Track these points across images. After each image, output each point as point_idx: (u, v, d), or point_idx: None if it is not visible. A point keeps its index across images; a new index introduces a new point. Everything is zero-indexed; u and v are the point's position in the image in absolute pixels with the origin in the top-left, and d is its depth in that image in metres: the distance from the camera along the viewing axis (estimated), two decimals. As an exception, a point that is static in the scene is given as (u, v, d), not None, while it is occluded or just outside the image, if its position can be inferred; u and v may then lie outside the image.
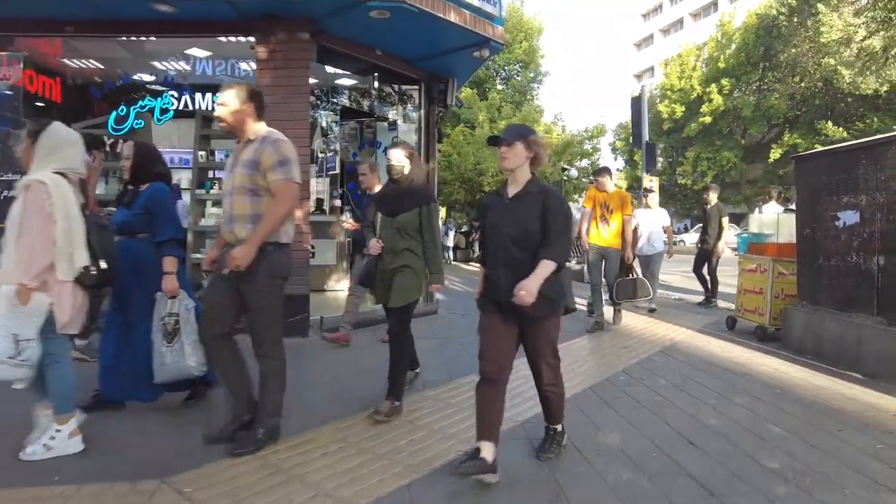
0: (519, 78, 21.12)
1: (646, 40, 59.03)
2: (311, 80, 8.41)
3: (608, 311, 6.73)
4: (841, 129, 26.67)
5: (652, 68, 54.81)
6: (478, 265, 16.47)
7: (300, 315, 5.55)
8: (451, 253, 19.85)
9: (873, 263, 4.65)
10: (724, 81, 32.08)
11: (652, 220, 8.13)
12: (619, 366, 4.83)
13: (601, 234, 6.43)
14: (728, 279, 11.23)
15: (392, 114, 7.40)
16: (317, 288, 8.62)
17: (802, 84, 29.30)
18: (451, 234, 19.82)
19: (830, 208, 5.10)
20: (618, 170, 47.06)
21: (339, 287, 8.79)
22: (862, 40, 23.03)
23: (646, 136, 12.21)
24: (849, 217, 4.91)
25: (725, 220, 8.43)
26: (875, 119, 25.97)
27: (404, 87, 7.43)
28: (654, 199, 8.55)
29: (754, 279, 6.22)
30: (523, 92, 20.95)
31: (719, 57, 33.37)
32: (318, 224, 8.65)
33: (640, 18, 60.57)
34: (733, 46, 33.19)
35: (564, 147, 16.56)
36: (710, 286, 8.39)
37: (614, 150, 42.91)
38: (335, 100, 8.61)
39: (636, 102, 12.46)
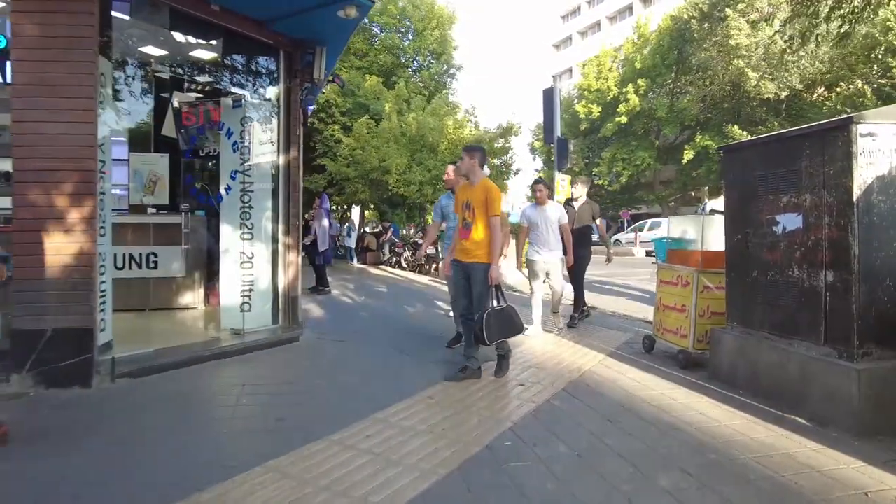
0: (430, 70, 19.95)
1: (564, 42, 59.66)
2: (146, 50, 6.94)
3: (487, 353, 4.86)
4: (746, 133, 27.29)
5: (570, 69, 55.39)
6: (390, 269, 15.01)
7: (79, 357, 3.97)
8: (352, 255, 18.39)
9: (819, 280, 3.70)
10: (641, 82, 32.36)
11: (546, 220, 6.33)
12: (507, 419, 3.62)
13: (461, 244, 4.64)
14: (643, 284, 10.55)
15: (241, 89, 5.89)
16: (161, 306, 6.99)
17: (713, 87, 29.90)
18: (354, 234, 18.40)
19: (767, 210, 4.13)
20: (536, 170, 47.15)
21: (189, 303, 7.19)
22: (771, 42, 23.56)
23: (557, 132, 11.27)
24: (789, 221, 3.95)
25: (600, 221, 7.73)
26: (776, 123, 26.73)
27: (259, 58, 5.94)
28: (545, 194, 6.51)
29: (675, 294, 5.23)
30: (436, 85, 19.79)
31: (635, 58, 33.68)
32: (162, 227, 7.00)
33: (559, 20, 61.20)
34: (649, 48, 33.61)
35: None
36: (576, 296, 7.32)
37: (533, 150, 42.74)
38: (175, 73, 7.05)
39: (548, 96, 11.50)
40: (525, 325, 5.47)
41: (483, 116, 66.82)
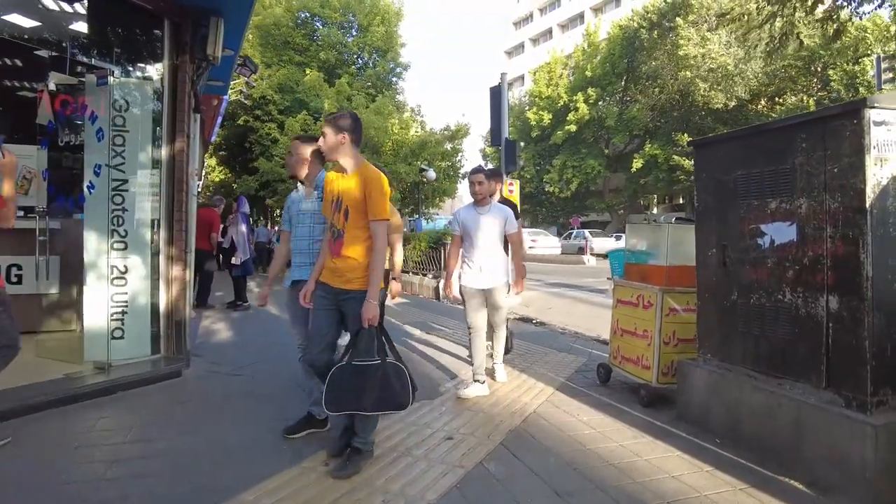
0: (376, 68, 18.98)
1: (516, 48, 59.67)
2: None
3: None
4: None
5: (522, 76, 55.36)
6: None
7: None
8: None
9: (819, 306, 2.93)
10: (591, 91, 32.26)
11: (488, 227, 4.52)
12: (421, 498, 2.68)
13: (331, 263, 3.10)
14: (598, 297, 9.84)
15: (113, 64, 4.77)
16: (28, 328, 5.71)
17: (662, 96, 30.03)
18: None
19: (750, 218, 3.35)
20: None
21: (64, 326, 5.96)
22: (718, 53, 23.67)
23: (506, 133, 10.49)
24: (779, 232, 3.17)
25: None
26: (725, 132, 26.94)
27: (137, 27, 4.85)
28: (486, 188, 4.62)
29: (635, 316, 4.42)
30: (381, 84, 18.82)
31: (586, 66, 33.62)
32: (23, 233, 5.76)
33: (512, 26, 61.22)
34: (599, 56, 33.61)
35: (422, 145, 14.59)
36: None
37: (485, 156, 42.24)
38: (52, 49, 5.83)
39: (495, 94, 10.71)
40: (458, 387, 4.47)
41: (432, 118, 65.82)
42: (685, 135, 27.86)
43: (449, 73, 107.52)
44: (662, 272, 4.26)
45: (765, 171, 3.26)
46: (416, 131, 15.20)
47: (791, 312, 3.09)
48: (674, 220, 4.42)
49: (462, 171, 16.61)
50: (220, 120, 9.81)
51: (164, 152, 4.76)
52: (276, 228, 18.11)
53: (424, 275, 12.23)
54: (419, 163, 14.65)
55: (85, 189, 4.58)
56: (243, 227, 8.91)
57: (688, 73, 25.78)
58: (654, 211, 42.16)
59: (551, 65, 36.62)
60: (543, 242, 28.13)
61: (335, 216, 3.04)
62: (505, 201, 5.23)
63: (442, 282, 11.26)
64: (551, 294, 11.01)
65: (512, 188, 10.40)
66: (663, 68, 28.45)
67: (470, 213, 4.60)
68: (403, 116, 15.17)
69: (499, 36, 64.78)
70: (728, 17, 9.98)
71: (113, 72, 4.52)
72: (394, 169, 14.34)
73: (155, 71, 4.81)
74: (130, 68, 4.75)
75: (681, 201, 39.06)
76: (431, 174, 14.81)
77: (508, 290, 4.75)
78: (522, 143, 38.21)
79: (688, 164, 27.32)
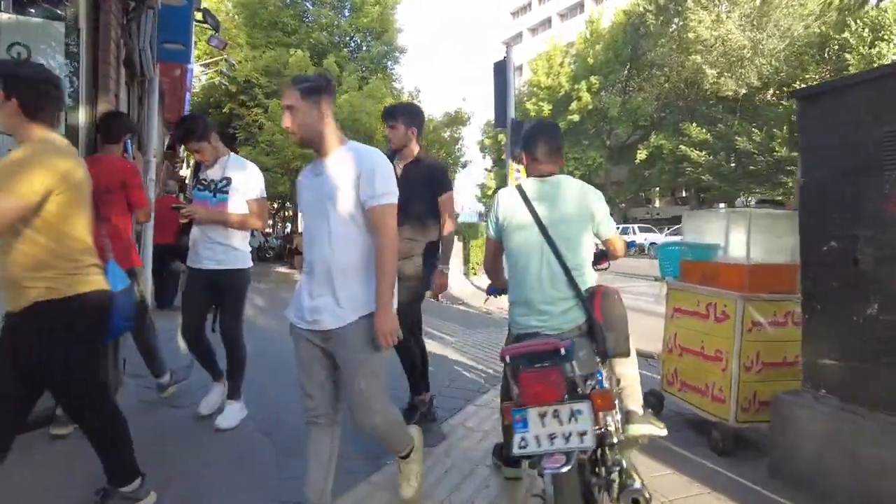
0: (370, 51, 17.80)
1: (514, 38, 58.41)
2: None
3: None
4: (704, 130, 26.41)
5: (521, 67, 54.13)
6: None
7: None
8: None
9: None
10: (593, 79, 31.15)
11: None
12: None
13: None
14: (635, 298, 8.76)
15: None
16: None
17: (668, 85, 28.97)
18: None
19: (902, 196, 2.29)
20: (486, 170, 45.56)
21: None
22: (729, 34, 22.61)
23: (511, 113, 9.40)
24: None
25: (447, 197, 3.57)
26: (735, 122, 25.94)
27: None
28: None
29: (702, 331, 3.35)
30: (375, 69, 17.65)
31: (588, 53, 32.50)
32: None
33: (509, 16, 60.03)
34: (602, 44, 32.50)
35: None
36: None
37: (483, 148, 41.13)
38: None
39: (500, 71, 9.63)
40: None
41: (427, 109, 64.59)
42: (692, 125, 26.81)
43: (444, 65, 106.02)
44: (742, 273, 3.18)
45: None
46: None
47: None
48: (753, 204, 3.34)
49: (462, 160, 15.46)
50: (188, 96, 8.68)
51: (81, 117, 3.64)
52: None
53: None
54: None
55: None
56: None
57: (697, 57, 24.66)
58: (657, 204, 41.19)
59: (550, 53, 35.45)
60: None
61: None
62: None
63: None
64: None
65: (519, 175, 9.32)
66: (669, 55, 27.35)
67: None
68: (398, 99, 14.02)
69: (496, 26, 63.59)
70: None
71: (6, 6, 3.39)
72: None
73: (71, 12, 3.68)
74: (32, 3, 3.62)
75: (684, 194, 38.07)
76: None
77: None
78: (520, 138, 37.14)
79: (695, 155, 26.26)
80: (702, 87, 26.46)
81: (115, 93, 3.78)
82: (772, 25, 24.36)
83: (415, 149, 3.38)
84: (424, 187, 3.28)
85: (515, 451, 1.88)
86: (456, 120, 13.65)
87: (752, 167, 24.58)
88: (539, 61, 35.19)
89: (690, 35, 24.59)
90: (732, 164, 25.73)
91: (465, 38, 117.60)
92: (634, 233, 27.26)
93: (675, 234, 26.11)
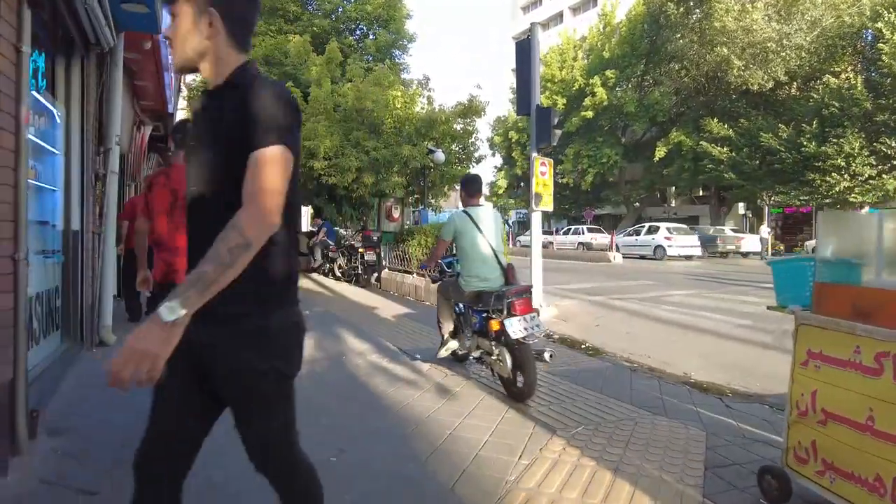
0: (377, 39, 16.70)
1: (524, 34, 57.09)
2: None
3: None
4: (726, 126, 25.15)
5: (532, 63, 52.93)
6: (320, 279, 11.76)
7: None
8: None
9: None
10: (609, 73, 29.93)
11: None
12: None
13: None
14: (648, 306, 7.62)
15: None
16: None
17: (687, 79, 27.74)
18: None
19: None
20: (495, 167, 44.41)
21: None
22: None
23: (537, 98, 8.28)
24: None
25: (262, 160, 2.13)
26: (759, 117, 24.67)
27: None
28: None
29: (865, 392, 2.23)
30: (383, 57, 16.55)
31: (604, 46, 31.29)
32: None
33: (520, 11, 58.80)
34: (618, 36, 31.27)
35: (429, 124, 12.33)
36: None
37: (492, 145, 39.95)
38: None
39: (523, 51, 8.50)
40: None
41: (440, 94, 62.81)
42: (714, 120, 25.55)
43: (449, 59, 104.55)
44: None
45: None
46: (422, 106, 12.95)
47: None
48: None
49: (477, 154, 14.34)
50: (170, 79, 7.62)
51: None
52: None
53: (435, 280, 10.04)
54: (427, 143, 12.40)
55: None
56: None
57: (724, 49, 23.39)
58: (673, 203, 39.89)
59: (564, 47, 34.26)
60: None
61: None
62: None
63: (454, 286, 9.09)
64: (593, 304, 8.84)
65: (545, 170, 8.21)
66: (691, 47, 26.10)
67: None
68: (409, 91, 12.91)
69: (506, 21, 62.34)
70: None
71: None
72: (396, 151, 12.09)
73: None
74: None
75: (701, 193, 36.74)
76: (440, 156, 12.53)
77: None
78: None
79: (716, 152, 25.01)
80: (724, 80, 25.19)
81: (16, 44, 2.70)
82: (800, 16, 23.11)
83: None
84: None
85: (514, 336, 3.90)
86: (470, 110, 12.51)
87: (776, 164, 23.33)
88: (552, 54, 33.95)
89: (716, 24, 23.32)
90: (756, 162, 24.50)
91: (472, 32, 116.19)
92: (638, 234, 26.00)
93: (635, 234, 25.03)
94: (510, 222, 42.65)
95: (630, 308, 8.31)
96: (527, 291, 4.19)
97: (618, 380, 4.72)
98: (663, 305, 8.45)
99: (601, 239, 27.29)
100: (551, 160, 8.54)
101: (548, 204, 8.22)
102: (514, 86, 10.87)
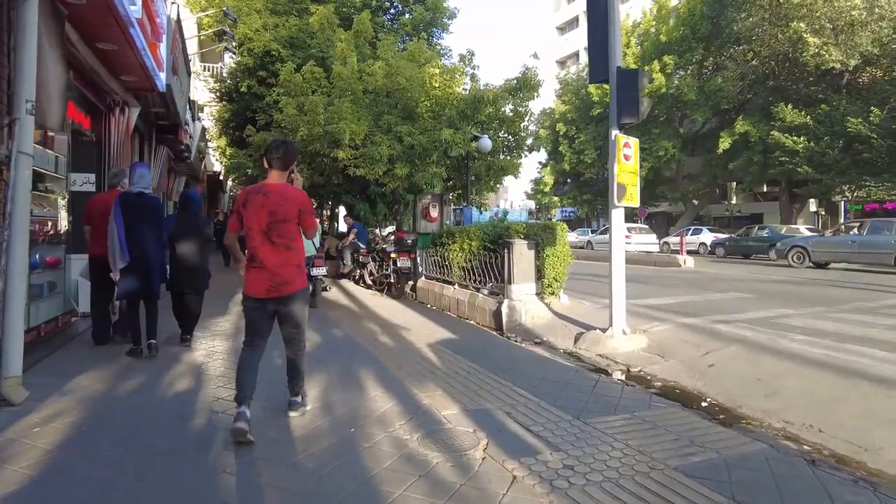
0: (413, 16, 14.91)
1: (570, 23, 54.61)
2: None
3: None
4: (802, 112, 22.38)
5: (577, 53, 50.43)
6: (350, 286, 10.11)
7: None
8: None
9: None
10: (667, 59, 27.38)
11: None
12: None
13: None
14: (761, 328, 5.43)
15: None
16: None
17: (755, 61, 25.00)
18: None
19: None
20: (539, 163, 42.09)
21: None
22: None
23: (617, 59, 6.28)
24: None
25: None
26: (843, 102, 21.82)
27: None
28: None
29: None
30: (419, 37, 14.74)
31: (659, 30, 28.76)
32: None
33: (563, 1, 56.23)
34: (675, 19, 28.69)
35: (474, 105, 10.39)
36: None
37: (536, 138, 37.62)
38: None
39: (597, 2, 6.50)
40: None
41: (486, 73, 59.84)
42: (787, 106, 22.79)
43: (491, 56, 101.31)
44: None
45: None
46: (464, 87, 11.04)
47: None
48: None
49: (529, 141, 12.29)
50: (142, 42, 5.93)
51: None
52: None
53: (478, 289, 8.17)
54: (470, 129, 10.47)
55: None
56: (114, 227, 5.09)
57: (801, 24, 20.70)
58: (734, 201, 36.84)
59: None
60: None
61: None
62: None
63: (506, 303, 7.17)
64: (691, 330, 6.74)
65: (629, 152, 6.22)
66: (761, 25, 23.39)
67: None
68: (449, 66, 11.02)
69: (549, 11, 59.66)
70: None
71: None
72: (434, 137, 10.20)
73: None
74: None
75: (764, 189, 33.63)
76: (486, 143, 10.58)
77: None
78: (581, 125, 33.61)
79: (790, 142, 22.26)
80: (800, 61, 22.40)
81: None
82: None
83: None
84: None
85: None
86: (524, 85, 10.48)
87: (865, 154, 20.51)
88: (602, 41, 31.48)
89: (794, -1, 20.63)
90: (837, 152, 21.68)
91: (511, 28, 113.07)
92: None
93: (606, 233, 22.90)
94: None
95: (745, 337, 6.19)
96: None
97: (806, 492, 2.76)
98: (789, 334, 6.31)
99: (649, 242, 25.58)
100: (637, 140, 6.53)
101: (633, 198, 6.24)
102: (560, 76, 8.88)
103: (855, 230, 15.51)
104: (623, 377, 5.04)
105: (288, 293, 3.43)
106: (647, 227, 28.59)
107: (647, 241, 25.63)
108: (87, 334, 6.21)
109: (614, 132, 6.15)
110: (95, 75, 6.21)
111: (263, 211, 3.39)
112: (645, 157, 29.49)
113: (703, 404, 4.25)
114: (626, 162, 6.15)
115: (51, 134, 5.94)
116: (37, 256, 5.60)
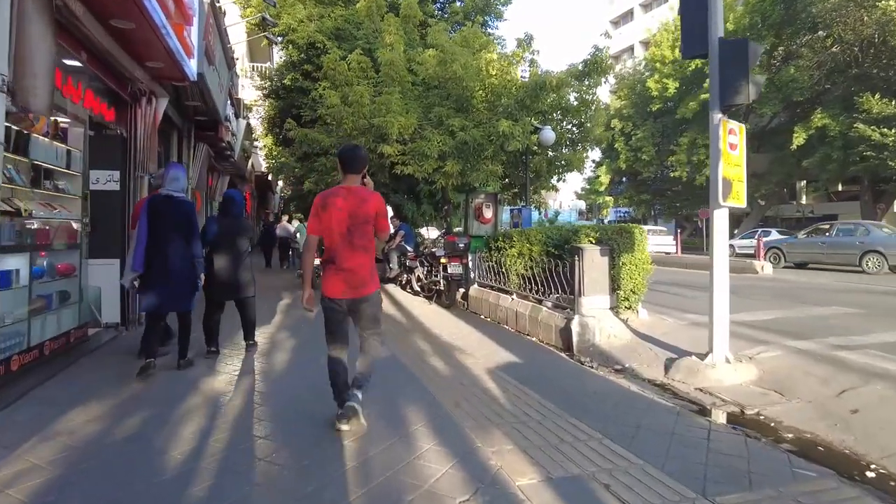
0: (461, 3, 13.96)
1: (624, 17, 52.62)
2: None
3: None
4: (893, 102, 20.28)
5: (632, 47, 48.53)
6: (397, 292, 9.38)
7: None
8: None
9: None
10: (733, 47, 25.53)
11: None
12: None
13: None
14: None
15: None
16: None
17: (835, 48, 22.91)
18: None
19: None
20: (593, 161, 40.46)
21: None
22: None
23: (719, 29, 5.17)
24: None
25: None
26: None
27: None
28: None
29: None
30: (472, 25, 13.80)
31: (726, 17, 26.88)
32: None
33: (619, -7, 54.25)
34: (742, 5, 26.80)
35: (534, 93, 9.32)
36: None
37: (599, 143, 36.02)
38: None
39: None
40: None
41: (546, 59, 57.55)
42: (875, 96, 20.69)
43: (542, 51, 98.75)
44: None
45: None
46: (522, 74, 9.98)
47: None
48: None
49: (597, 132, 11.13)
50: (166, 26, 5.22)
51: None
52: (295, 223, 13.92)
53: (540, 300, 7.16)
54: (531, 119, 9.42)
55: None
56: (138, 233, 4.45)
57: (891, 3, 18.71)
58: (804, 201, 34.37)
59: (677, 22, 30.00)
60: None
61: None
62: None
63: (577, 319, 6.13)
64: (807, 357, 5.52)
65: (735, 141, 5.10)
66: (845, 6, 21.36)
67: None
68: (507, 52, 10.03)
69: (602, 4, 57.63)
70: None
71: None
72: (489, 130, 9.21)
73: None
74: None
75: (839, 188, 31.13)
76: (548, 135, 9.49)
77: None
78: (638, 121, 31.92)
79: (877, 136, 20.19)
80: (890, 45, 20.30)
81: None
82: None
83: None
84: None
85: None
86: (594, 69, 9.32)
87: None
88: (663, 33, 29.82)
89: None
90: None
91: (566, 14, 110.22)
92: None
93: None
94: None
95: (887, 371, 4.89)
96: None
97: None
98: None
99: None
100: (743, 126, 5.39)
101: (739, 196, 5.13)
102: (615, 70, 7.72)
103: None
104: (739, 424, 3.96)
105: (363, 295, 3.48)
106: (664, 228, 29.03)
107: (663, 243, 25.41)
108: (107, 348, 5.63)
109: (717, 116, 5.05)
110: (114, 59, 5.53)
111: (343, 213, 3.42)
112: (707, 156, 27.67)
113: (870, 475, 3.14)
114: (732, 153, 5.04)
115: (63, 125, 5.30)
116: (43, 264, 4.95)
